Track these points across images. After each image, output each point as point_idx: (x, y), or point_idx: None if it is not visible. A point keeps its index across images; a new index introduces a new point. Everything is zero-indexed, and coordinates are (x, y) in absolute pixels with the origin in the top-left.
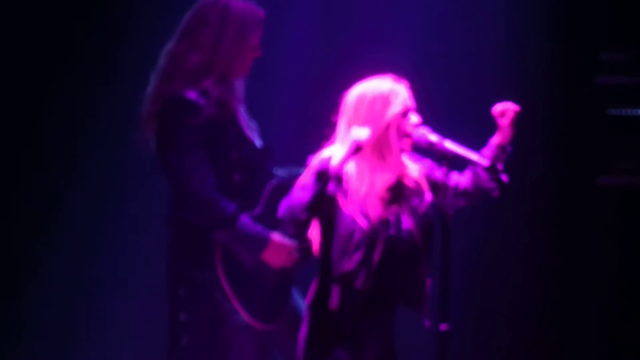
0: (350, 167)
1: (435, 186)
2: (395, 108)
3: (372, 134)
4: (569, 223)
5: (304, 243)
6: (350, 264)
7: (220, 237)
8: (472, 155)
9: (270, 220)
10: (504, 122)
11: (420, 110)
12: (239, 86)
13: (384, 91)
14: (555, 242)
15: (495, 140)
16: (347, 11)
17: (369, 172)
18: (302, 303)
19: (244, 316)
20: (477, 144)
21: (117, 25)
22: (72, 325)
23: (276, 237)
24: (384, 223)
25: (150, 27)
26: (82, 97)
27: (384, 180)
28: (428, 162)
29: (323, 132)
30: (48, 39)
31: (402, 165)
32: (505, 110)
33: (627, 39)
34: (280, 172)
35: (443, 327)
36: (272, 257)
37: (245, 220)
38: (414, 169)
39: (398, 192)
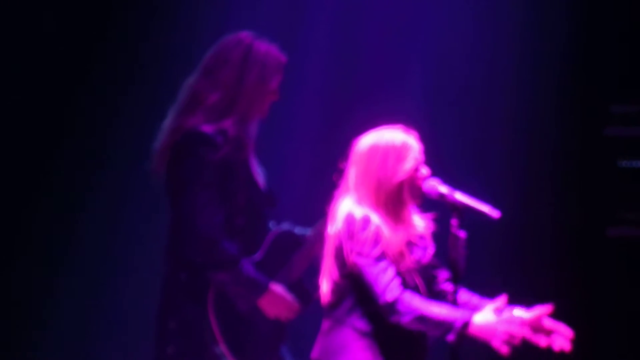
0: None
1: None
2: (408, 164)
3: (384, 190)
4: (578, 273)
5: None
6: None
7: (218, 279)
8: (482, 207)
9: (270, 267)
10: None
11: (430, 157)
12: (253, 129)
13: (397, 144)
14: (564, 291)
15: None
16: (356, 56)
17: (385, 229)
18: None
19: None
20: (482, 191)
21: (136, 51)
22: (86, 332)
23: (276, 287)
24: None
25: (170, 57)
26: (98, 118)
27: (400, 237)
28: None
29: (331, 179)
30: (66, 62)
31: (412, 219)
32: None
33: (636, 91)
34: (284, 226)
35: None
36: (269, 305)
37: (246, 264)
38: (419, 220)
39: (409, 246)
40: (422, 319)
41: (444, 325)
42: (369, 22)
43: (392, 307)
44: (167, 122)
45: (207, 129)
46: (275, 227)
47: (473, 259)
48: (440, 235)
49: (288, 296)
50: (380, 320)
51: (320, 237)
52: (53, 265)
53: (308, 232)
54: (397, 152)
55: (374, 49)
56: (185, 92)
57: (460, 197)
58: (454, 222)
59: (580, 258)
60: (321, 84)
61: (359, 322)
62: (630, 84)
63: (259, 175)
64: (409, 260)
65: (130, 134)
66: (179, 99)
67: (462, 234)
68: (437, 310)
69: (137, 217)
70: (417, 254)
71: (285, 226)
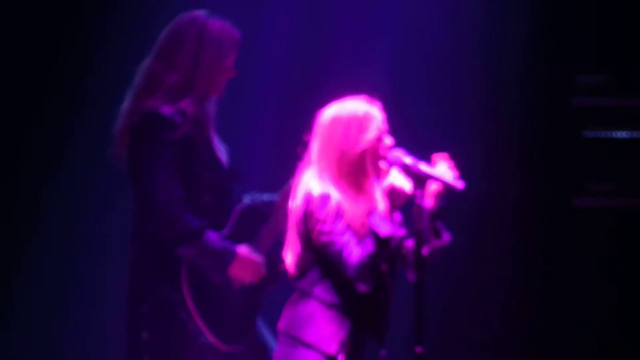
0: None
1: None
2: (371, 133)
3: (346, 160)
4: (544, 244)
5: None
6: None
7: (187, 254)
8: (446, 178)
9: (237, 242)
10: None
11: (395, 128)
12: (211, 106)
13: (359, 115)
14: (531, 262)
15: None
16: (323, 28)
17: (347, 201)
18: (266, 331)
19: (209, 337)
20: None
21: (93, 39)
22: (56, 322)
23: (243, 250)
24: None
25: (126, 41)
26: (65, 103)
27: (362, 208)
28: None
29: (295, 152)
30: (24, 53)
31: (375, 190)
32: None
33: (602, 62)
34: (246, 198)
35: (418, 349)
36: (240, 272)
37: (211, 235)
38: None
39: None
40: (373, 258)
41: (390, 241)
42: None
43: (355, 274)
44: (125, 105)
45: (166, 109)
46: (240, 202)
47: None
48: (405, 206)
49: (255, 256)
50: (346, 292)
51: (284, 209)
52: (19, 251)
53: (275, 197)
54: (359, 122)
55: (339, 22)
56: (142, 74)
57: (424, 167)
58: (418, 192)
59: (546, 228)
60: (285, 57)
61: (324, 294)
62: (596, 54)
63: (221, 152)
64: None
65: (96, 118)
66: (136, 82)
67: (426, 205)
68: (370, 241)
69: (104, 201)
70: None
71: (252, 197)
